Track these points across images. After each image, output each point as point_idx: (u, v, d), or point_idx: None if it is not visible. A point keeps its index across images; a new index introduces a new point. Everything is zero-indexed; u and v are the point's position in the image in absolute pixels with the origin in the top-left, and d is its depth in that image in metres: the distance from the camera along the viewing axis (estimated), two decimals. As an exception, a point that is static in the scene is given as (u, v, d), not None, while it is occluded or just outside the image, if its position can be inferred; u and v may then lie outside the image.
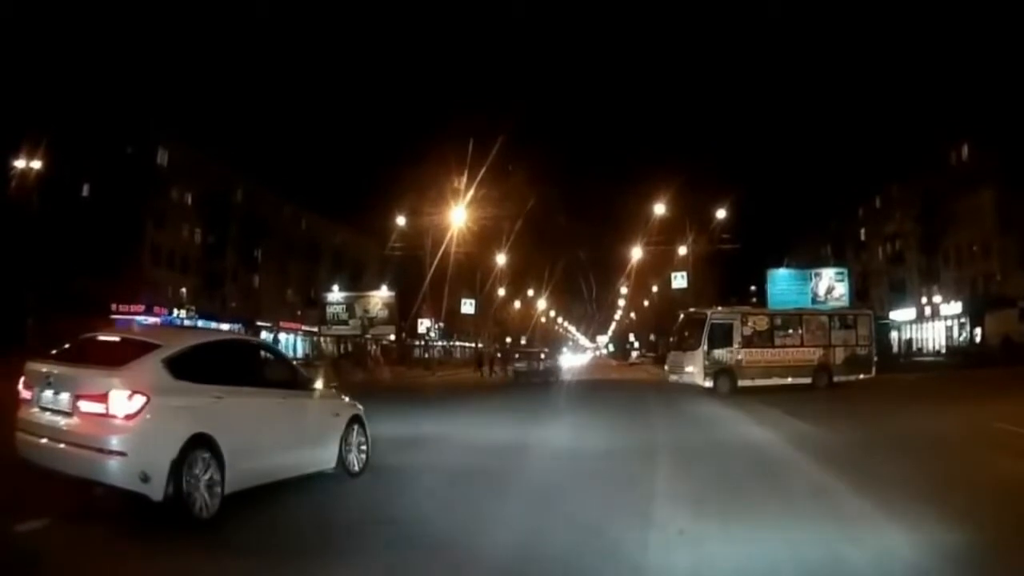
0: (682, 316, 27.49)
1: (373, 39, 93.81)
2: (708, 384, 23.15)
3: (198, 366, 6.33)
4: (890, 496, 7.04)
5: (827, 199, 66.84)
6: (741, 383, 23.23)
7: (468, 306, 63.43)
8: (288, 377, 7.75)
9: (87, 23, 56.76)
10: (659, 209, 46.77)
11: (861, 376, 24.93)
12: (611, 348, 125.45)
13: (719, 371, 23.36)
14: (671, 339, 29.12)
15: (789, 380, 23.77)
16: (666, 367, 27.09)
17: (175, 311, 54.71)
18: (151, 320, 48.08)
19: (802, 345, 24.67)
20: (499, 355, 53.87)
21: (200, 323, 53.81)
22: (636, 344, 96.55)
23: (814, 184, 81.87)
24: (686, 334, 25.45)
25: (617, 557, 5.33)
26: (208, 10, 78.03)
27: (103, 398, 5.67)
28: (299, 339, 73.22)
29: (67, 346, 6.56)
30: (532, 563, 5.22)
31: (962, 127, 49.35)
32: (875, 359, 25.99)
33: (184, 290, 57.57)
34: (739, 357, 23.70)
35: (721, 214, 47.74)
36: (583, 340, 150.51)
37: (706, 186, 57.54)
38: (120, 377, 5.77)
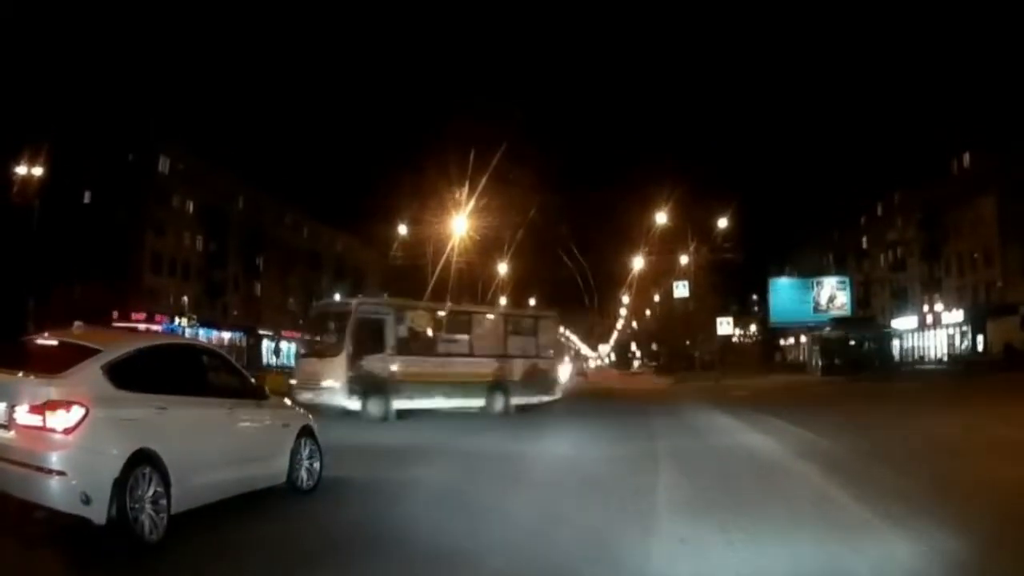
0: (318, 309, 21.41)
1: (374, 48, 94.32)
2: (354, 406, 16.39)
3: (140, 373, 5.87)
4: (890, 502, 6.99)
5: (829, 208, 66.97)
6: (398, 404, 17.02)
7: (470, 314, 63.17)
8: (235, 384, 7.26)
9: (89, 29, 57.02)
10: (661, 218, 46.67)
11: (544, 399, 19.78)
12: (612, 357, 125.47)
13: (369, 387, 16.66)
14: (305, 340, 22.44)
15: (457, 402, 18.22)
16: (293, 381, 18.46)
17: (176, 319, 54.76)
18: (154, 328, 48.04)
19: (472, 354, 18.81)
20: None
21: (201, 331, 53.81)
22: (638, 353, 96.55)
23: (816, 193, 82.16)
24: (324, 335, 18.73)
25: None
26: (210, 18, 78.53)
27: (39, 409, 5.17)
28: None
29: (4, 350, 6.03)
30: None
31: (964, 136, 49.45)
32: (558, 378, 21.37)
33: (185, 298, 57.63)
34: (393, 368, 17.15)
35: (723, 223, 47.62)
36: (585, 349, 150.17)
37: (708, 195, 57.36)
38: (56, 386, 5.30)
